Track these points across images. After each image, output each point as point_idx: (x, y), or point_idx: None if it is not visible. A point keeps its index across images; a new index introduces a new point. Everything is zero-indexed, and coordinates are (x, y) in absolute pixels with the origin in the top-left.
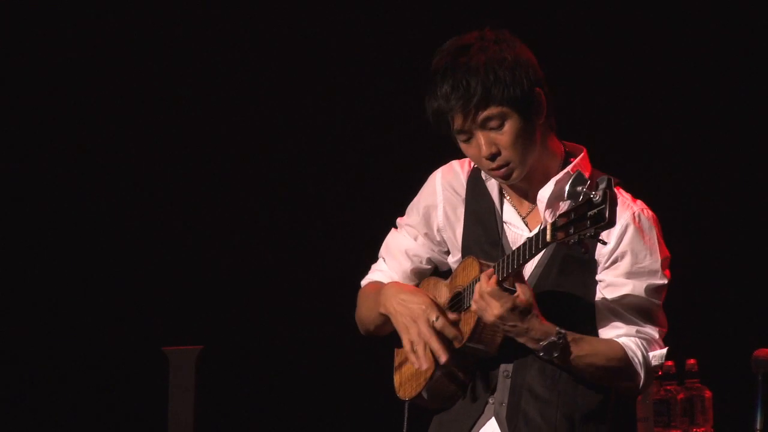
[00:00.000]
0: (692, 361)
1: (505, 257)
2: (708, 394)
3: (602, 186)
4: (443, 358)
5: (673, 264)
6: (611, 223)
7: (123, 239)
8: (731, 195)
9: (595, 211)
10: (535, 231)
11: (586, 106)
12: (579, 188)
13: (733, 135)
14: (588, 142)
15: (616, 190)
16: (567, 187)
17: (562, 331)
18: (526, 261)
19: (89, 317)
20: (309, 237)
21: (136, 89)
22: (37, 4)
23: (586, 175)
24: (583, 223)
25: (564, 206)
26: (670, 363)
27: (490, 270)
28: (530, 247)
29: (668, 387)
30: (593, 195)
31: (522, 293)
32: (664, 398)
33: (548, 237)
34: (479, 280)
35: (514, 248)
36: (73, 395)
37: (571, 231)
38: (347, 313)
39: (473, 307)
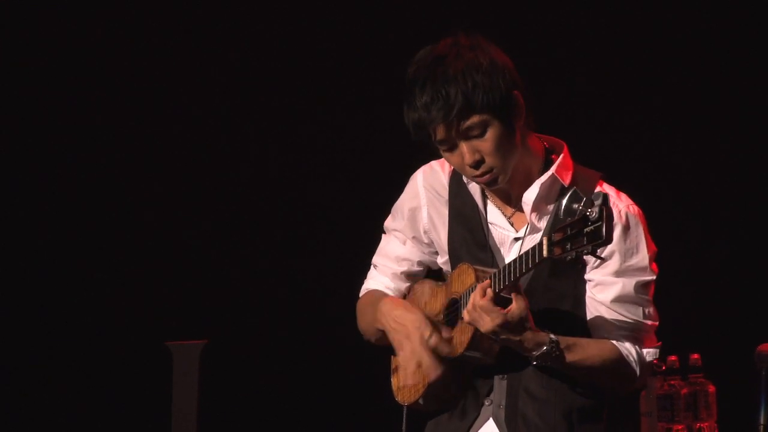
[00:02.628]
0: (696, 355)
1: (501, 269)
2: (712, 388)
3: (598, 202)
4: (433, 375)
5: (677, 259)
6: (608, 240)
7: (126, 234)
8: (734, 189)
9: (592, 228)
10: (526, 244)
11: (566, 95)
12: (575, 206)
13: (733, 126)
14: (570, 132)
15: (599, 185)
16: (563, 204)
17: (555, 338)
18: (522, 275)
19: (93, 312)
20: (312, 231)
21: (135, 86)
22: (36, 4)
23: (570, 172)
24: (580, 240)
25: (550, 208)
26: (673, 358)
27: (486, 282)
28: (526, 261)
29: (672, 382)
30: (589, 212)
31: (516, 306)
32: (667, 393)
33: (545, 252)
34: (475, 288)
35: (501, 249)
36: (76, 390)
37: (568, 247)
38: (349, 309)
39: (466, 318)
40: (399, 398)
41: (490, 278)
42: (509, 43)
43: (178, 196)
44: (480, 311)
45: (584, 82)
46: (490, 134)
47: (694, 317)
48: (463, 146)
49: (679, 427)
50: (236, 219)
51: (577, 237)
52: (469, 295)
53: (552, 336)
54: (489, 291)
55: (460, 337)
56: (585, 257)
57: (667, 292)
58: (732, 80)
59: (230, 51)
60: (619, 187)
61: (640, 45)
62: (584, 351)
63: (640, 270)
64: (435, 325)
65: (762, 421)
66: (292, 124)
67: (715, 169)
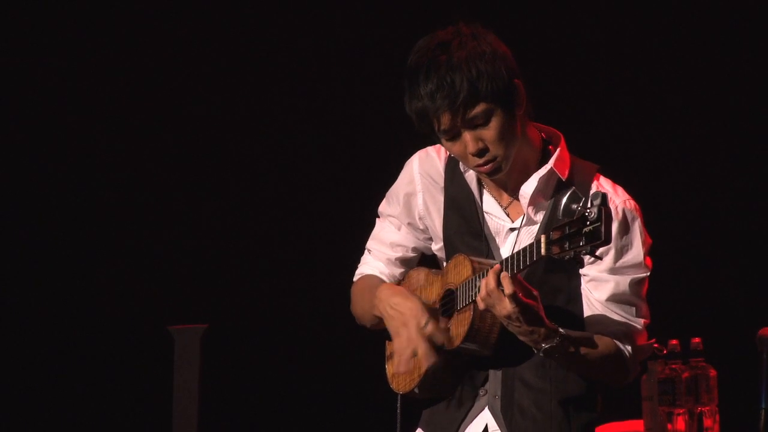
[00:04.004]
0: (697, 339)
1: (498, 264)
2: (713, 372)
3: (597, 203)
4: (427, 363)
5: (678, 243)
6: (607, 241)
7: (128, 219)
8: (735, 174)
9: (591, 228)
10: (521, 235)
11: (562, 85)
12: (574, 206)
13: (730, 112)
14: (567, 123)
15: (596, 178)
16: (562, 204)
17: (564, 332)
18: (520, 271)
19: (95, 297)
20: (309, 216)
21: (135, 84)
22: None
23: (567, 166)
24: (578, 239)
25: (546, 202)
26: (675, 342)
27: (497, 267)
28: (524, 258)
29: (673, 366)
30: (588, 212)
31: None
32: (668, 377)
33: (543, 251)
34: (475, 279)
35: (496, 238)
36: (78, 374)
37: (567, 247)
38: (349, 294)
39: (481, 305)
40: (393, 386)
41: (500, 264)
42: (505, 33)
43: (179, 183)
44: (495, 297)
45: (580, 73)
46: (494, 123)
47: (695, 301)
48: (467, 135)
49: (680, 411)
50: (236, 204)
51: (575, 236)
52: (467, 286)
53: (561, 330)
54: (506, 275)
55: (457, 329)
56: (583, 256)
57: (668, 277)
58: (731, 73)
59: (225, 40)
60: (616, 177)
61: (636, 35)
62: (588, 346)
63: (635, 267)
64: (432, 314)
65: (763, 404)
66: (286, 112)
67: (715, 153)
